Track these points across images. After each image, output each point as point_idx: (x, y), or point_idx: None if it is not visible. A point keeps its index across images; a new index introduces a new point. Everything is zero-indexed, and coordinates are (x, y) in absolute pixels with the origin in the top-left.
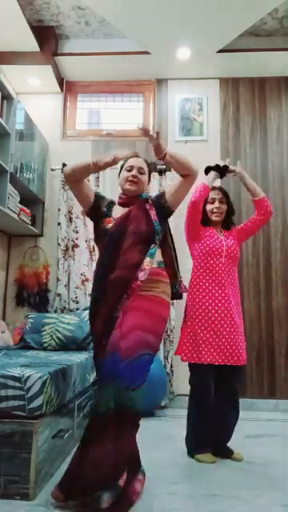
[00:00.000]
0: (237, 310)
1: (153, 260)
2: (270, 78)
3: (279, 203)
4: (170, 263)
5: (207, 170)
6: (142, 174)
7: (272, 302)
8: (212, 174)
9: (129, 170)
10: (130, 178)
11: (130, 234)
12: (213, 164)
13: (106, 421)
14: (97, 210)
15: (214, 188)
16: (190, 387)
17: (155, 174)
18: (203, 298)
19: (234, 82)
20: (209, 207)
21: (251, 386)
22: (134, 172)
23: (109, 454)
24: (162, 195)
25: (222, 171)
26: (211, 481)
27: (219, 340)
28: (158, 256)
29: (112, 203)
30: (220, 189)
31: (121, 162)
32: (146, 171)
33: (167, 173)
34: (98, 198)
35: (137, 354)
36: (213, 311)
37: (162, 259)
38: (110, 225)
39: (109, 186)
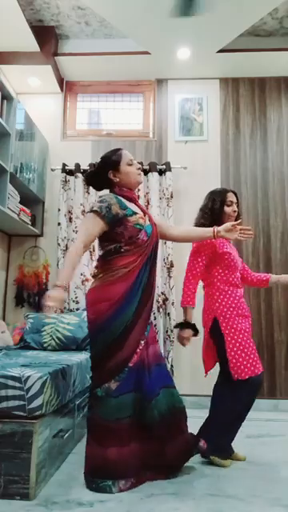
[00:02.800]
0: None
1: None
2: (270, 78)
3: (279, 203)
4: None
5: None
6: None
7: (272, 301)
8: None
9: (131, 164)
10: (139, 172)
11: (157, 244)
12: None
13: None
14: (114, 220)
15: (228, 190)
16: (226, 393)
17: (155, 174)
18: (238, 310)
19: (233, 82)
20: (227, 209)
21: None
22: (137, 164)
23: (185, 441)
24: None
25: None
26: (211, 481)
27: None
28: None
29: (121, 201)
30: (234, 193)
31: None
32: None
33: (167, 173)
34: (107, 216)
35: None
36: (246, 321)
37: None
38: (147, 223)
39: None
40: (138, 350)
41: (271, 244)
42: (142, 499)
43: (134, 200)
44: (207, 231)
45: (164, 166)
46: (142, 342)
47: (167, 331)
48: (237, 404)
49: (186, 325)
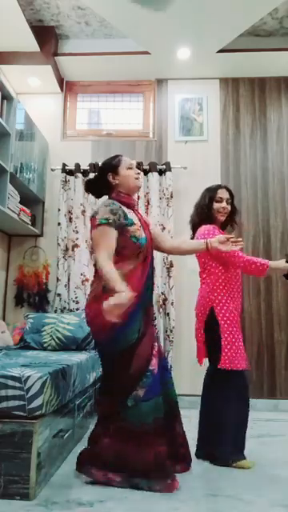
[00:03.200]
0: None
1: None
2: (270, 78)
3: (279, 203)
4: None
5: None
6: None
7: (272, 302)
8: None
9: (131, 169)
10: (138, 176)
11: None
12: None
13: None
14: (118, 228)
15: (221, 186)
16: (227, 395)
17: (155, 174)
18: (233, 303)
19: (233, 82)
20: (216, 206)
21: (251, 386)
22: (137, 170)
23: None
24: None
25: None
26: (211, 481)
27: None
28: None
29: (121, 208)
30: (227, 189)
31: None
32: None
33: (167, 173)
34: (117, 225)
35: None
36: (238, 316)
37: None
38: (144, 235)
39: None
40: (155, 352)
41: (271, 244)
42: (142, 499)
43: (131, 206)
44: (200, 243)
45: (164, 166)
46: (156, 344)
47: (167, 331)
48: (235, 398)
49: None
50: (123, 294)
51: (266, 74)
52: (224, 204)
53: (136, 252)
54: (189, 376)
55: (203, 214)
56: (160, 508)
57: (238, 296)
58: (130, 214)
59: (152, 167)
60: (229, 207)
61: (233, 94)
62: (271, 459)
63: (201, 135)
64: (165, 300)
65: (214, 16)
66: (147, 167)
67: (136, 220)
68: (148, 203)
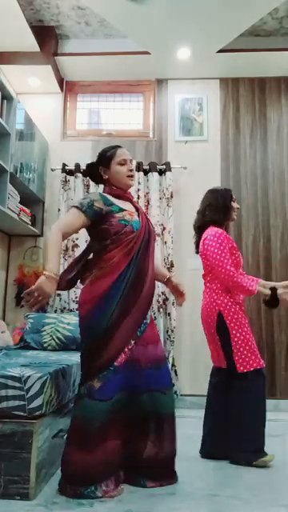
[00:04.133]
0: None
1: None
2: (269, 78)
3: (279, 203)
4: None
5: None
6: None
7: None
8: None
9: (123, 164)
10: (130, 174)
11: (152, 239)
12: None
13: (174, 420)
14: (98, 217)
15: (230, 189)
16: (247, 397)
17: (155, 174)
18: (241, 306)
19: (233, 82)
20: (234, 205)
21: None
22: (130, 165)
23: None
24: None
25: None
26: (211, 481)
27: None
28: None
29: (106, 198)
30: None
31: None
32: None
33: (167, 173)
34: (87, 211)
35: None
36: (243, 315)
37: None
38: (136, 219)
39: None
40: (126, 350)
41: (271, 244)
42: (142, 499)
43: (124, 198)
44: (164, 276)
45: (164, 166)
46: (132, 342)
47: (167, 331)
48: (256, 399)
49: (274, 295)
50: (43, 278)
51: (266, 74)
52: (236, 204)
53: (130, 236)
54: (189, 376)
55: (226, 214)
56: (160, 508)
57: (242, 299)
58: (120, 203)
59: (152, 167)
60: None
61: (233, 94)
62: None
63: (201, 135)
64: (165, 300)
65: (214, 16)
66: (147, 167)
67: (129, 208)
68: (148, 203)
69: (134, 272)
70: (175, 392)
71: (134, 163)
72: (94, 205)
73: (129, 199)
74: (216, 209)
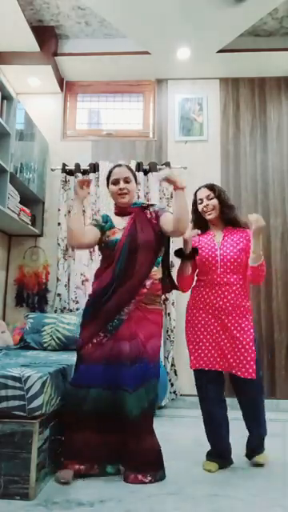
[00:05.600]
0: (237, 322)
1: (158, 269)
2: (269, 78)
3: (279, 203)
4: (166, 268)
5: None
6: (128, 182)
7: (272, 302)
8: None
9: (115, 183)
10: (119, 192)
11: (140, 247)
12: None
13: (142, 419)
14: (102, 229)
15: (200, 187)
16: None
17: (155, 174)
18: (199, 310)
19: (233, 82)
20: (199, 207)
21: None
22: (122, 185)
23: (151, 445)
24: (159, 215)
25: (189, 255)
26: (211, 481)
27: (216, 350)
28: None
29: (107, 216)
30: (206, 186)
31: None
32: (132, 177)
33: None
34: (98, 226)
35: (157, 359)
36: (208, 322)
37: (160, 270)
38: (118, 236)
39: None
40: (95, 341)
41: (271, 244)
42: (142, 499)
43: (126, 213)
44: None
45: (164, 166)
46: (102, 335)
47: (167, 331)
48: (202, 400)
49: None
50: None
51: (266, 74)
52: (205, 202)
53: (111, 251)
54: (189, 376)
55: (195, 220)
56: (160, 508)
57: (205, 300)
58: (117, 220)
59: (152, 167)
60: (212, 202)
61: (233, 94)
62: (271, 459)
63: (201, 135)
64: (165, 300)
65: (214, 16)
66: (147, 167)
67: (120, 225)
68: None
69: (116, 282)
70: (174, 392)
71: (134, 163)
72: (98, 221)
73: (126, 214)
74: (192, 215)
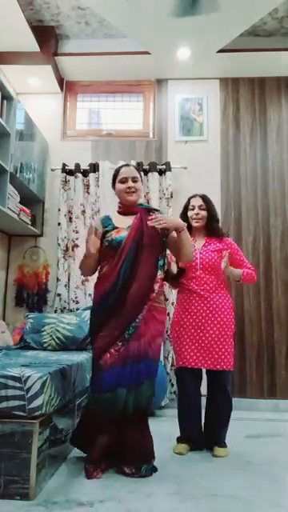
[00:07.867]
0: (216, 320)
1: (161, 272)
2: (269, 78)
3: (279, 203)
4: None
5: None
6: (136, 182)
7: (272, 302)
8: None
9: (123, 182)
10: (128, 190)
11: (145, 247)
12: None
13: (136, 415)
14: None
15: (195, 195)
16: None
17: (155, 174)
18: (184, 310)
19: (233, 81)
20: (189, 213)
21: (251, 386)
22: (130, 183)
23: (145, 439)
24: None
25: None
26: (211, 481)
27: (195, 347)
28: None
29: (108, 217)
30: (201, 196)
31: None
32: (139, 178)
33: (167, 173)
34: (99, 235)
35: (159, 357)
36: (190, 321)
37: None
38: (123, 234)
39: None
40: (113, 351)
41: (271, 244)
42: (142, 499)
43: (130, 213)
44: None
45: (164, 166)
46: (120, 344)
47: (167, 331)
48: (180, 396)
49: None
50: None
51: (266, 74)
52: (196, 210)
53: (115, 250)
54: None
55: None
56: (160, 508)
57: (188, 301)
58: (119, 221)
59: (152, 167)
60: (202, 213)
61: (233, 94)
62: (271, 459)
63: (201, 135)
64: (165, 300)
65: (214, 16)
66: (147, 167)
67: (123, 225)
68: (148, 203)
69: (121, 281)
70: (174, 392)
71: (134, 163)
72: (96, 230)
73: (130, 214)
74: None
